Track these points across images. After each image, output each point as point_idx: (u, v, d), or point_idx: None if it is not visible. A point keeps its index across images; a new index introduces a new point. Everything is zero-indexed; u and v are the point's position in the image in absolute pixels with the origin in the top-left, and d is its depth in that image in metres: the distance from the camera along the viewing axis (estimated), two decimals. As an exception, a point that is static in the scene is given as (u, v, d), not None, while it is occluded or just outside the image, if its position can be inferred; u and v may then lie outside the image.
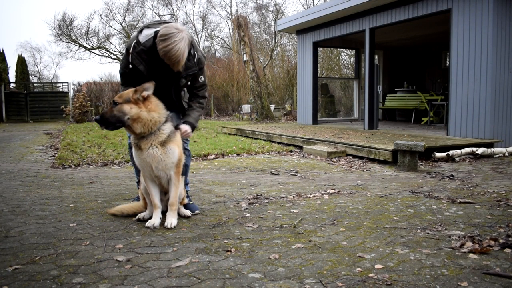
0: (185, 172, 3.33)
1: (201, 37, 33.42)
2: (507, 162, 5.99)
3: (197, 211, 3.24)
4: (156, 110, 2.79)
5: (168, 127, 2.86)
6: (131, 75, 3.00)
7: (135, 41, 2.94)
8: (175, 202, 2.93)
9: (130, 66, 2.95)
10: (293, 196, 3.82)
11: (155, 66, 2.95)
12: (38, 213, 3.23)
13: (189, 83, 3.14)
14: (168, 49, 2.73)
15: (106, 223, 2.96)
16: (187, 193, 3.38)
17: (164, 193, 3.07)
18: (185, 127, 3.06)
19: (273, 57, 23.48)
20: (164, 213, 2.99)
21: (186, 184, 3.42)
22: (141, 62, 2.92)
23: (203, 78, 3.18)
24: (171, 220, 2.86)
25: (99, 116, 2.72)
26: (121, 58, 3.15)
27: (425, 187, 4.24)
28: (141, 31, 2.98)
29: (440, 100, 11.11)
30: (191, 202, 3.38)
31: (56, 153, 7.40)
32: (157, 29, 2.89)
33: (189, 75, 3.06)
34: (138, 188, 3.54)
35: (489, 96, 7.04)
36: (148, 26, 3.01)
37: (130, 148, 3.38)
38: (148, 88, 2.75)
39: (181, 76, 3.03)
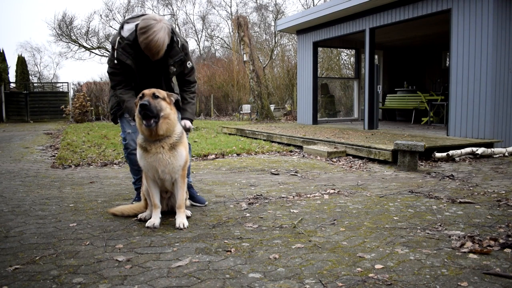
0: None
1: (201, 37, 33.44)
2: (507, 162, 5.98)
3: (206, 203, 3.48)
4: (176, 114, 2.89)
5: (178, 128, 2.89)
6: (120, 72, 3.03)
7: (118, 37, 2.97)
8: (182, 204, 2.93)
9: (116, 61, 2.98)
10: (293, 196, 3.82)
11: (142, 59, 2.99)
12: (38, 213, 3.23)
13: (177, 70, 3.18)
14: (149, 40, 2.78)
15: (106, 223, 2.96)
16: (191, 185, 3.52)
17: (165, 191, 3.07)
18: (188, 123, 3.17)
19: (273, 57, 23.47)
20: (163, 213, 3.00)
21: (188, 174, 3.50)
22: (127, 57, 2.96)
23: (190, 63, 3.23)
24: (182, 220, 2.86)
25: (147, 102, 2.63)
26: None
27: (425, 187, 4.24)
28: (122, 27, 3.01)
29: (440, 100, 11.11)
30: (198, 193, 3.54)
31: (56, 153, 7.40)
32: (137, 22, 2.93)
33: (176, 61, 3.10)
34: (135, 188, 3.55)
35: (489, 96, 7.04)
36: (127, 21, 3.04)
37: (126, 148, 3.39)
38: (175, 96, 2.88)
39: (169, 64, 3.08)
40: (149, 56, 2.91)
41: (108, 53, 28.78)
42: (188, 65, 3.21)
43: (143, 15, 3.04)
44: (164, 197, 3.08)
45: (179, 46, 3.09)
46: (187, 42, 3.27)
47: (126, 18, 3.19)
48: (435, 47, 13.33)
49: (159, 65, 3.07)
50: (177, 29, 31.48)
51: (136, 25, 2.89)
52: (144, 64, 3.03)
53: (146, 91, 2.75)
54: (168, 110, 2.76)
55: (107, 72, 3.11)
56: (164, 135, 2.78)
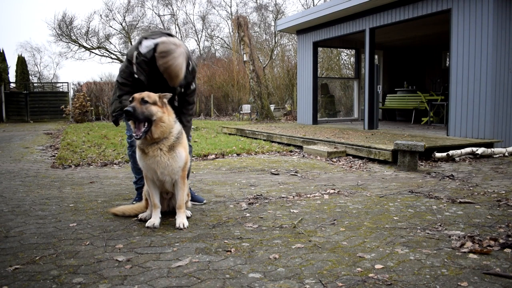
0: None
1: (201, 37, 33.43)
2: (507, 162, 5.98)
3: (204, 201, 3.55)
4: (171, 114, 2.85)
5: (176, 129, 2.86)
6: (131, 84, 3.08)
7: (136, 52, 3.02)
8: (183, 205, 2.93)
9: (129, 74, 3.04)
10: (293, 196, 3.82)
11: (154, 76, 3.04)
12: (38, 213, 3.23)
13: (182, 90, 3.23)
14: (168, 65, 2.86)
15: (106, 223, 2.96)
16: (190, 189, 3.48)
17: (166, 192, 3.06)
18: None
19: (273, 57, 23.47)
20: (164, 214, 3.00)
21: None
22: (141, 73, 3.02)
23: (194, 85, 3.28)
24: (182, 220, 2.86)
25: (132, 109, 2.62)
26: (122, 63, 3.19)
27: (425, 187, 4.24)
28: (140, 42, 3.05)
29: (440, 100, 11.11)
30: (195, 193, 3.56)
31: (56, 153, 7.40)
32: (156, 40, 2.99)
33: (184, 84, 3.16)
34: (136, 187, 3.56)
35: (489, 96, 7.04)
36: (146, 37, 3.08)
37: (130, 146, 3.40)
38: (167, 96, 2.82)
39: (173, 84, 3.11)
40: (167, 79, 2.97)
41: (108, 53, 28.84)
42: (191, 87, 3.25)
43: (162, 33, 3.12)
44: (165, 198, 3.08)
45: (190, 69, 3.16)
46: (196, 65, 3.34)
47: (145, 33, 3.21)
48: (435, 47, 13.33)
49: (168, 84, 3.10)
50: (177, 29, 31.47)
51: (156, 45, 2.94)
52: (155, 81, 3.07)
53: (137, 95, 2.71)
54: (159, 113, 2.72)
55: (118, 81, 3.13)
56: (161, 138, 2.76)
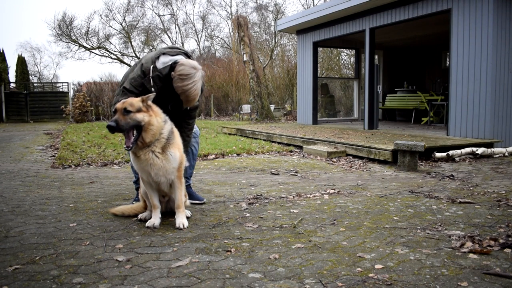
0: (193, 159, 3.57)
1: (201, 37, 33.43)
2: (507, 162, 5.99)
3: (204, 200, 3.57)
4: (158, 115, 2.80)
5: (166, 129, 2.82)
6: (138, 93, 3.08)
7: (152, 66, 3.06)
8: (181, 204, 2.92)
9: (141, 85, 3.07)
10: (293, 196, 3.82)
11: (166, 92, 3.08)
12: (38, 213, 3.23)
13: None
14: (187, 89, 2.94)
15: (106, 223, 2.96)
16: (189, 185, 3.55)
17: (162, 196, 3.06)
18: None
19: (273, 57, 23.47)
20: (163, 214, 3.00)
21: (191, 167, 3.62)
22: (154, 87, 3.05)
23: (198, 102, 3.29)
24: (182, 220, 2.85)
25: (114, 123, 2.59)
26: (132, 71, 3.22)
27: (425, 187, 4.24)
28: (158, 57, 3.09)
29: (440, 100, 11.11)
30: (196, 193, 3.60)
31: (56, 153, 7.40)
32: (173, 57, 3.06)
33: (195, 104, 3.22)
34: (136, 187, 3.56)
35: (489, 96, 7.04)
36: (164, 53, 3.13)
37: None
38: (151, 98, 2.77)
39: (189, 106, 3.18)
40: (183, 101, 3.05)
41: (108, 53, 28.83)
42: (196, 103, 3.27)
43: (180, 50, 3.18)
44: (162, 201, 3.06)
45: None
46: (204, 84, 3.39)
47: (164, 48, 3.24)
48: (435, 47, 13.33)
49: (175, 98, 3.13)
50: (177, 29, 31.43)
51: (173, 64, 3.01)
52: (164, 95, 3.10)
53: (119, 105, 2.67)
54: (147, 118, 2.68)
55: (125, 87, 3.13)
56: (152, 141, 2.74)
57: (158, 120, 2.76)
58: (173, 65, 3.01)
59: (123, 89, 3.12)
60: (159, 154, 2.76)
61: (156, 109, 2.81)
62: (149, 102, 2.75)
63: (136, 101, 2.69)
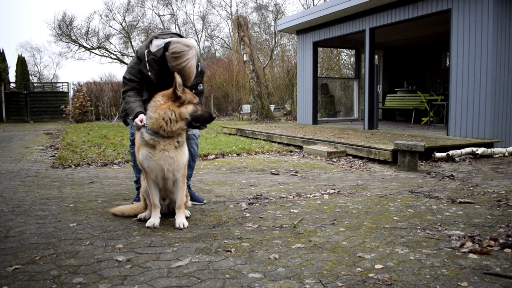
0: (192, 161, 3.58)
1: (201, 37, 33.42)
2: (507, 162, 5.98)
3: (204, 201, 3.58)
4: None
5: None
6: (138, 81, 3.13)
7: (146, 50, 3.09)
8: (182, 204, 2.93)
9: (139, 71, 3.11)
10: (293, 196, 3.82)
11: (164, 75, 3.09)
12: (38, 213, 3.23)
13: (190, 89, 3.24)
14: (182, 67, 2.92)
15: (106, 223, 2.96)
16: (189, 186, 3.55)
17: (163, 199, 3.05)
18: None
19: (273, 57, 23.47)
20: (163, 215, 3.00)
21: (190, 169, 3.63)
22: (151, 71, 3.08)
23: (201, 86, 3.32)
24: (182, 220, 2.86)
25: (214, 115, 2.93)
26: (131, 61, 3.27)
27: (425, 187, 4.24)
28: (151, 41, 3.13)
29: (440, 100, 11.11)
30: (196, 193, 3.61)
31: (56, 153, 7.40)
32: (166, 40, 3.08)
33: (193, 84, 3.19)
34: (136, 186, 3.56)
35: (489, 96, 7.04)
36: (157, 37, 3.16)
37: (133, 144, 3.39)
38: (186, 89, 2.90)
39: (186, 85, 3.12)
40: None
41: (108, 53, 28.84)
42: (199, 88, 3.31)
43: (172, 33, 3.20)
44: (162, 204, 3.06)
45: (199, 70, 3.20)
46: (205, 67, 3.41)
47: (156, 33, 3.31)
48: (435, 47, 13.33)
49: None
50: (177, 29, 31.53)
51: (166, 44, 3.02)
52: (164, 79, 3.11)
53: (195, 100, 2.86)
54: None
55: (125, 77, 3.18)
56: (177, 133, 2.82)
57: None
58: (167, 46, 3.01)
59: (123, 79, 3.17)
60: (175, 148, 2.82)
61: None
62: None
63: (188, 94, 2.85)
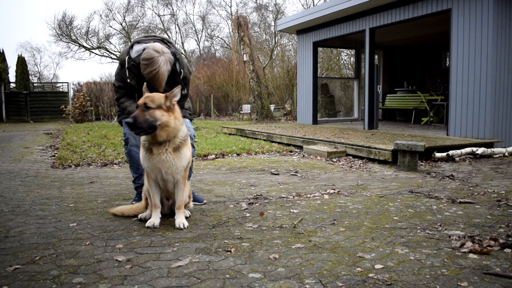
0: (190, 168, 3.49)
1: (201, 37, 33.42)
2: (507, 162, 5.98)
3: (204, 201, 3.56)
4: (179, 118, 2.78)
5: (183, 131, 2.83)
6: (125, 87, 3.11)
7: (127, 56, 3.04)
8: (182, 205, 2.92)
9: (128, 80, 3.07)
10: (293, 196, 3.82)
11: (145, 81, 3.02)
12: (38, 213, 3.23)
13: None
14: (152, 74, 2.89)
15: (106, 223, 2.96)
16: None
17: (166, 198, 3.05)
18: None
19: (273, 57, 23.47)
20: (163, 216, 3.00)
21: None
22: (132, 77, 3.04)
23: (185, 91, 3.24)
24: (182, 220, 2.85)
25: (132, 119, 2.57)
26: (116, 68, 3.27)
27: (425, 187, 4.24)
28: (132, 46, 3.08)
29: (440, 100, 11.11)
30: (195, 193, 3.59)
31: (56, 153, 7.40)
32: (147, 44, 3.00)
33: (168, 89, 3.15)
34: (135, 186, 3.56)
35: (489, 96, 7.04)
36: (138, 41, 3.11)
37: (126, 144, 3.39)
38: (176, 95, 2.71)
39: (158, 91, 3.10)
40: (153, 85, 2.99)
41: (108, 53, 28.83)
42: (182, 92, 3.20)
43: (155, 37, 3.15)
44: (166, 204, 3.06)
45: (181, 77, 3.15)
46: (190, 72, 3.32)
47: (138, 37, 3.26)
48: (435, 47, 13.33)
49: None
50: (177, 29, 31.42)
51: (145, 48, 2.95)
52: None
53: (140, 101, 2.66)
54: (165, 118, 2.64)
55: (114, 84, 3.19)
56: (165, 140, 2.74)
57: (176, 122, 2.73)
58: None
59: (114, 87, 3.18)
60: (172, 152, 2.77)
61: (177, 109, 2.78)
62: (174, 100, 2.70)
63: (158, 97, 2.67)
